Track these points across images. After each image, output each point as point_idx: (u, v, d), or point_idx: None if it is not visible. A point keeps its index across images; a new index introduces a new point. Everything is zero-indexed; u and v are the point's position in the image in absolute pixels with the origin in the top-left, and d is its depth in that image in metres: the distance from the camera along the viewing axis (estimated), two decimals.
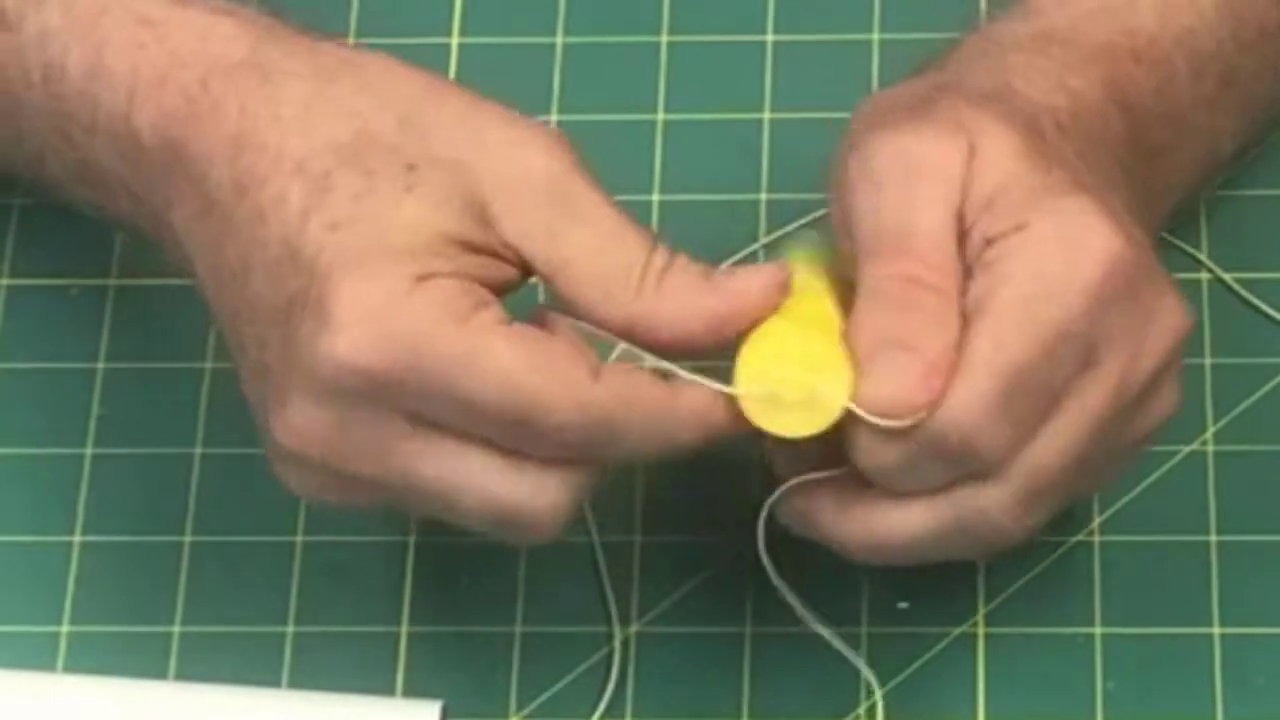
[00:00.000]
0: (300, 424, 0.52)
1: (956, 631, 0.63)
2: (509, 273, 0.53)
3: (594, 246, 0.54)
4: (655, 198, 0.71)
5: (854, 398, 0.54)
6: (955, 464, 0.53)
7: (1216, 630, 0.62)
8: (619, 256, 0.54)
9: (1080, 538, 0.63)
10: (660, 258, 0.54)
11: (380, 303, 0.51)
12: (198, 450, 0.66)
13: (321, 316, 0.51)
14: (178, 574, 0.64)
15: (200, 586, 0.64)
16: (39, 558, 0.66)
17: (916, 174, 0.55)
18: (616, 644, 0.63)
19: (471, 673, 0.63)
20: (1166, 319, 0.54)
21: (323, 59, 0.55)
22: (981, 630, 0.63)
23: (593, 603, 0.64)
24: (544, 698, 0.62)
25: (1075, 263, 0.53)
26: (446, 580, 0.64)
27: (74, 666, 0.65)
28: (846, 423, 0.54)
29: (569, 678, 0.62)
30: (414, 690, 0.63)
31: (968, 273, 0.54)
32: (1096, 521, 0.63)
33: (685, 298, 0.54)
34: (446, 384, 0.51)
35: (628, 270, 0.54)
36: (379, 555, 0.65)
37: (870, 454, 0.53)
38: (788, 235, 0.69)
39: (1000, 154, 0.55)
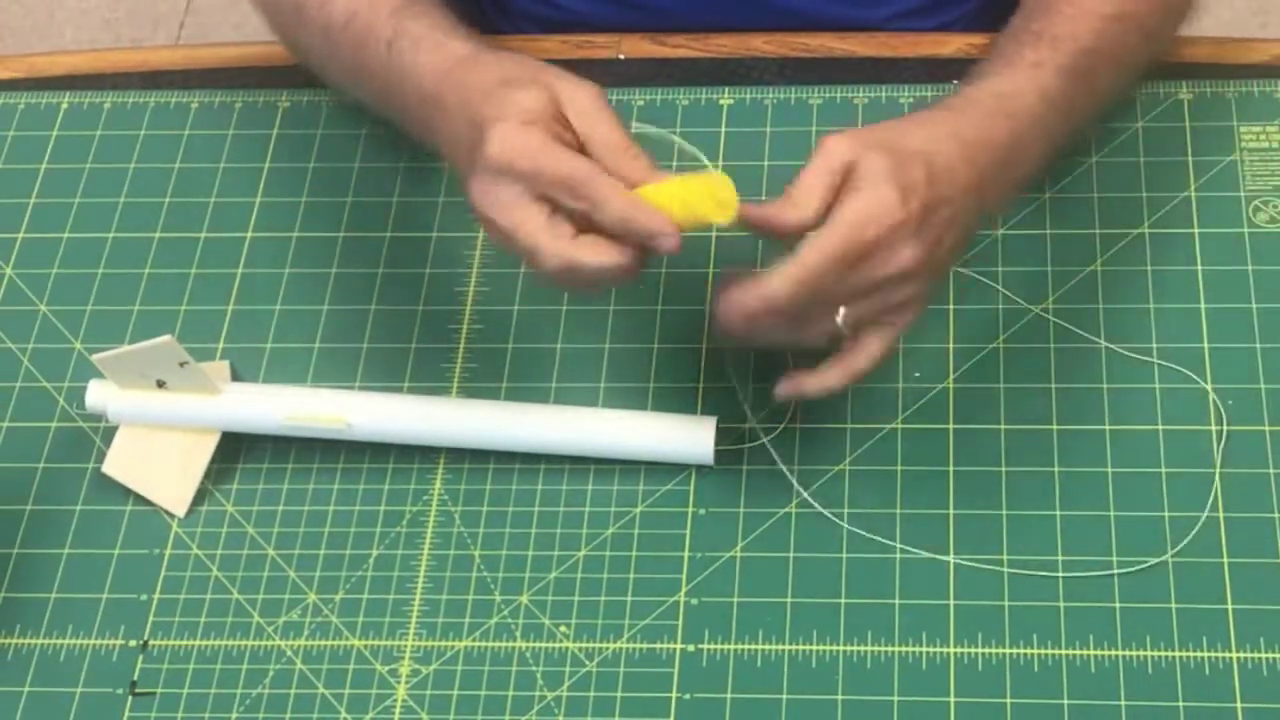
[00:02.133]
0: (478, 188, 0.87)
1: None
2: (570, 136, 0.87)
3: (607, 129, 0.87)
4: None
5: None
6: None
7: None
8: (618, 134, 0.87)
9: None
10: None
11: (509, 134, 0.86)
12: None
13: (485, 141, 0.86)
14: (557, 330, 1.01)
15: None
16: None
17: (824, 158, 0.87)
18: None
19: (729, 409, 0.98)
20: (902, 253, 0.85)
21: (488, 57, 0.92)
22: None
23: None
24: (781, 419, 0.98)
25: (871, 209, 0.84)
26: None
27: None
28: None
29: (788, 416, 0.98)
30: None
31: None
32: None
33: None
34: (538, 172, 0.85)
35: (621, 136, 0.87)
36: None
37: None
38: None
39: (873, 165, 0.87)
